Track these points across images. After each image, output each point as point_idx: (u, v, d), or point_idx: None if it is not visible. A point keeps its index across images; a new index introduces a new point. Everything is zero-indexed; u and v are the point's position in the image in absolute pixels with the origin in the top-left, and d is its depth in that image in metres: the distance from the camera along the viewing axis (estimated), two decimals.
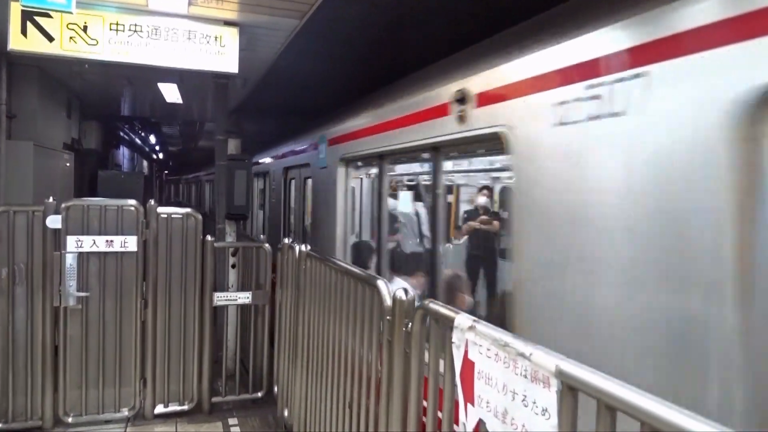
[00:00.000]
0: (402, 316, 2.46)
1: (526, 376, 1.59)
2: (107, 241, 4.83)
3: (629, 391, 1.28)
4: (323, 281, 3.61)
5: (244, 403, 5.45)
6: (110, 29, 4.96)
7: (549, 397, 1.50)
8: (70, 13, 4.69)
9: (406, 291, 2.50)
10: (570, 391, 1.44)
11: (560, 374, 1.46)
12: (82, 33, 4.89)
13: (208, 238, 5.20)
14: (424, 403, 2.32)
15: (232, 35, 5.28)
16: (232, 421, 5.12)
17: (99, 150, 12.45)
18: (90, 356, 4.85)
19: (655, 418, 1.18)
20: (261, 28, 5.37)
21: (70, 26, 4.87)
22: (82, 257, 4.78)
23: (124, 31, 4.99)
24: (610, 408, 1.31)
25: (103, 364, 4.89)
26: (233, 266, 5.80)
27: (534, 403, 1.56)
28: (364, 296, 2.90)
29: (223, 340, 5.86)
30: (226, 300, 5.35)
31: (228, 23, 5.25)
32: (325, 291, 3.57)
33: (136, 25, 5.02)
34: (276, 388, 4.92)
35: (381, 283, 2.71)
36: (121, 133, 16.88)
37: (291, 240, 4.67)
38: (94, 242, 4.79)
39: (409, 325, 2.39)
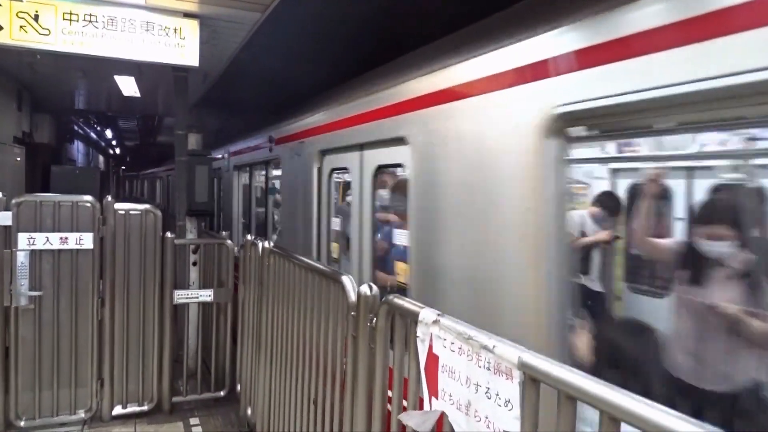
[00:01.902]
0: (366, 311, 2.46)
1: (489, 369, 1.61)
2: (61, 238, 4.66)
3: (589, 381, 1.31)
4: (287, 278, 3.58)
5: (206, 402, 5.36)
6: (63, 19, 4.78)
7: (512, 389, 1.52)
8: (20, 1, 4.50)
9: (370, 286, 2.51)
10: (532, 382, 1.47)
11: (523, 366, 1.48)
12: (33, 22, 4.70)
13: (168, 234, 5.09)
14: (389, 402, 2.33)
15: (192, 27, 5.16)
16: (193, 420, 5.03)
17: (52, 144, 12.00)
18: (44, 357, 4.69)
19: (614, 406, 1.22)
20: (222, 20, 5.27)
21: (20, 15, 4.67)
22: (35, 255, 4.61)
23: (78, 20, 4.82)
24: (570, 398, 1.35)
25: (58, 365, 4.74)
26: (194, 263, 5.70)
27: (497, 395, 1.58)
28: (328, 292, 2.89)
29: (184, 339, 5.75)
30: (186, 298, 5.25)
31: (188, 15, 5.13)
32: (288, 287, 3.55)
33: (90, 14, 4.85)
34: (239, 387, 4.86)
35: (345, 279, 2.71)
36: (76, 127, 16.31)
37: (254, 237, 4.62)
38: (48, 239, 4.62)
39: (374, 320, 2.39)
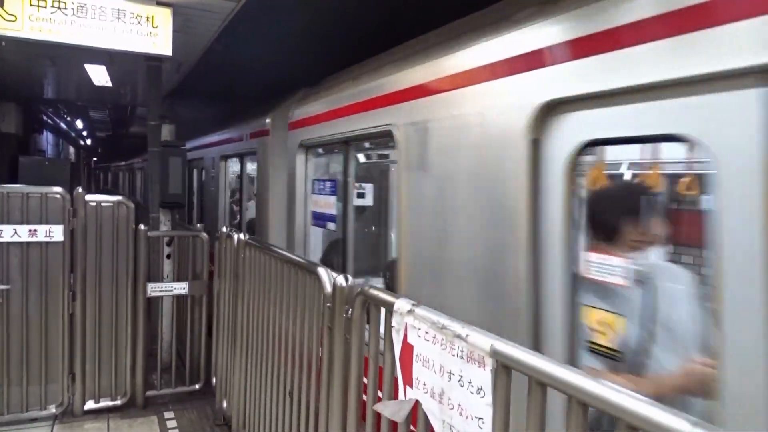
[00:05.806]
0: (342, 302, 2.47)
1: (462, 357, 1.63)
2: (30, 230, 4.56)
3: (559, 368, 1.34)
4: (263, 270, 3.57)
5: (181, 396, 5.32)
6: (31, 5, 4.64)
7: (484, 376, 1.54)
8: None
9: (346, 277, 2.51)
10: (504, 369, 1.49)
11: (495, 354, 1.51)
12: None
13: (141, 226, 5.02)
14: (365, 393, 2.34)
15: (164, 16, 5.06)
16: (168, 414, 4.99)
17: (19, 134, 11.72)
18: (12, 352, 4.59)
19: (581, 390, 1.25)
20: (195, 9, 5.18)
21: None
22: (2, 248, 4.50)
23: (46, 7, 4.68)
24: (540, 384, 1.38)
25: (27, 360, 4.64)
26: (168, 256, 5.63)
27: (470, 382, 1.60)
28: (304, 284, 2.89)
29: (159, 332, 5.68)
30: (160, 291, 5.19)
31: (160, 3, 5.02)
32: (264, 279, 3.53)
33: (59, 1, 4.72)
34: (214, 380, 4.83)
35: (321, 270, 2.71)
36: (45, 117, 15.91)
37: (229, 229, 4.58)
38: (16, 231, 4.52)
39: (350, 311, 2.40)
